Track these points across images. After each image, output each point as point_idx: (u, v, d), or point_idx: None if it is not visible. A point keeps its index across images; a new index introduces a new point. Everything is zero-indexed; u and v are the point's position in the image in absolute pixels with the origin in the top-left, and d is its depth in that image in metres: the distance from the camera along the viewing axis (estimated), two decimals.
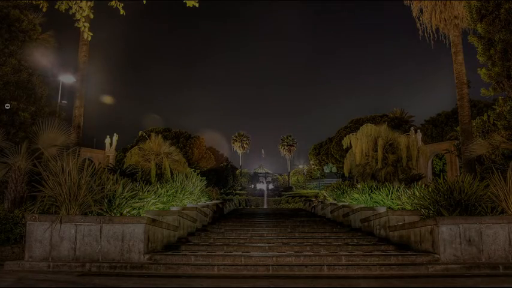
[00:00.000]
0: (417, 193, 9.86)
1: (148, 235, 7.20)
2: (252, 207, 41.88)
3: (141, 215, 8.46)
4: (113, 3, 8.10)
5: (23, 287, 5.36)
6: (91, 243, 6.86)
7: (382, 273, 6.33)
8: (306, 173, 62.33)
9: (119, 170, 13.12)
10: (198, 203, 14.66)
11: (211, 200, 18.44)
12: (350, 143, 21.81)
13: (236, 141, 69.82)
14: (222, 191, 39.27)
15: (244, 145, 70.01)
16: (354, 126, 42.60)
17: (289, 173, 66.64)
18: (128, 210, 8.21)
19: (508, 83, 11.48)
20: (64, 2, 7.95)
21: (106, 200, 7.80)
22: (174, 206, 11.75)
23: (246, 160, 73.93)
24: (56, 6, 8.03)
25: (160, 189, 11.97)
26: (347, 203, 15.20)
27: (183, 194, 13.73)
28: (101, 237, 6.89)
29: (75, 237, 6.87)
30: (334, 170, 53.15)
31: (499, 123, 11.85)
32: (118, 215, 7.83)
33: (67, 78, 22.52)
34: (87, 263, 6.60)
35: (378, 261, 6.96)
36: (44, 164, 7.91)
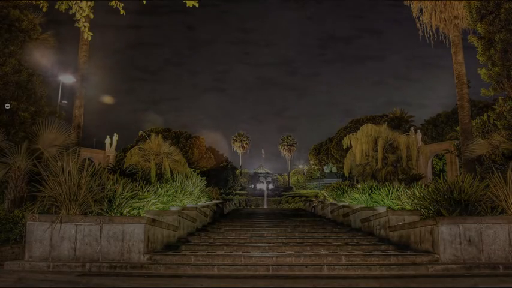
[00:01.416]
0: (417, 193, 9.86)
1: (148, 235, 7.20)
2: (252, 207, 41.85)
3: (141, 215, 8.45)
4: (113, 3, 8.09)
5: (23, 287, 5.36)
6: (91, 243, 6.86)
7: (382, 273, 6.33)
8: (306, 173, 62.30)
9: (118, 170, 13.10)
10: (198, 203, 14.66)
11: (211, 200, 18.44)
12: (350, 143, 21.83)
13: (236, 141, 69.79)
14: (222, 191, 39.22)
15: (244, 145, 69.98)
16: (354, 126, 42.59)
17: (289, 173, 66.61)
18: (128, 210, 8.21)
19: (508, 83, 11.49)
20: (64, 2, 7.95)
21: (106, 200, 7.79)
22: (174, 206, 11.75)
23: (246, 160, 73.93)
24: (56, 6, 8.03)
25: (160, 189, 11.96)
26: (347, 203, 15.20)
27: (183, 194, 13.73)
28: (101, 237, 6.89)
29: (75, 237, 6.87)
30: (334, 170, 53.13)
31: (499, 123, 11.85)
32: (118, 215, 7.82)
33: (67, 78, 22.50)
34: (87, 263, 6.60)
35: (378, 261, 6.96)
36: (44, 164, 7.91)
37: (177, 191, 13.30)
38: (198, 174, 17.61)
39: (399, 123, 44.32)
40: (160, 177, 16.20)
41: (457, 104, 17.39)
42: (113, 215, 7.72)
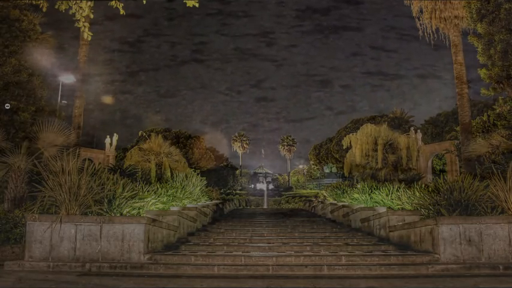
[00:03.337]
0: (417, 193, 9.86)
1: (148, 235, 7.20)
2: (252, 207, 41.83)
3: (141, 215, 8.45)
4: (113, 3, 8.09)
5: (23, 287, 5.37)
6: (91, 243, 6.86)
7: (382, 273, 6.33)
8: (306, 173, 62.28)
9: (119, 170, 13.09)
10: (198, 203, 14.66)
11: (211, 200, 18.44)
12: (350, 143, 21.82)
13: (236, 141, 69.80)
14: (222, 191, 39.16)
15: (244, 145, 69.99)
16: (354, 126, 42.56)
17: (289, 173, 66.60)
18: (128, 210, 8.21)
19: (508, 83, 11.49)
20: (64, 2, 7.95)
21: (106, 200, 7.80)
22: (174, 206, 11.74)
23: (246, 160, 73.90)
24: (56, 6, 8.04)
25: (160, 189, 11.96)
26: (347, 203, 15.20)
27: (183, 194, 13.72)
28: (101, 237, 6.89)
29: (75, 237, 6.87)
30: (334, 170, 53.09)
31: (499, 123, 11.86)
32: (118, 215, 7.82)
33: (67, 78, 22.51)
34: (87, 263, 6.61)
35: (378, 261, 6.96)
36: (44, 164, 7.91)
37: (177, 191, 13.30)
38: (198, 174, 17.60)
39: (399, 123, 44.27)
40: (160, 177, 16.19)
41: (457, 104, 17.39)
42: (113, 215, 7.72)
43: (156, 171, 16.49)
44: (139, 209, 8.63)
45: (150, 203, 9.75)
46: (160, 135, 18.94)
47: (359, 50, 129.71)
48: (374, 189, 14.44)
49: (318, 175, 57.46)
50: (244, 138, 70.22)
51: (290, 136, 70.62)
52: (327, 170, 55.91)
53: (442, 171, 33.41)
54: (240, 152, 69.76)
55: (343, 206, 14.47)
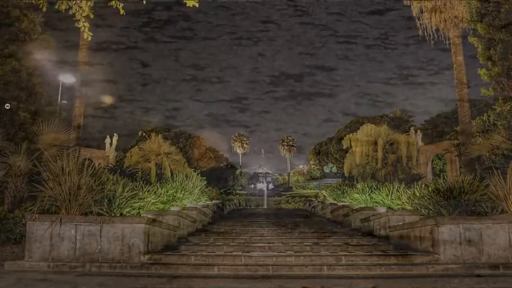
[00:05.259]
0: (417, 193, 9.87)
1: (148, 235, 7.20)
2: (252, 207, 41.77)
3: (141, 215, 8.46)
4: (113, 3, 8.08)
5: (22, 287, 5.37)
6: (91, 243, 6.86)
7: (382, 273, 6.33)
8: (306, 173, 62.30)
9: (118, 170, 13.11)
10: (198, 203, 14.65)
11: (211, 200, 18.44)
12: (350, 143, 21.90)
13: (236, 141, 69.84)
14: (222, 191, 39.08)
15: (244, 145, 70.04)
16: (354, 126, 42.57)
17: (289, 173, 66.63)
18: (127, 210, 8.22)
19: (508, 83, 11.50)
20: (64, 2, 7.95)
21: (106, 200, 7.80)
22: (174, 206, 11.75)
23: (246, 160, 73.94)
24: (56, 6, 8.03)
25: (160, 189, 11.97)
26: (347, 203, 15.20)
27: (183, 194, 13.73)
28: (100, 237, 6.89)
29: (75, 237, 6.86)
30: (334, 170, 53.09)
31: (499, 123, 11.87)
32: (118, 215, 7.83)
33: (67, 78, 22.51)
34: (87, 263, 6.61)
35: (377, 261, 6.96)
36: (44, 164, 7.92)
37: (177, 191, 13.31)
38: (198, 174, 17.61)
39: (399, 124, 44.26)
40: (160, 177, 16.21)
41: (457, 104, 17.41)
42: (113, 215, 7.72)
43: (156, 171, 16.53)
44: (139, 209, 8.64)
45: (150, 203, 9.75)
46: (160, 135, 18.99)
47: (331, 116, 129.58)
48: (374, 189, 14.46)
49: (318, 175, 57.46)
50: (245, 138, 70.28)
51: (290, 136, 70.72)
52: (327, 170, 55.90)
53: (442, 171, 33.40)
54: (240, 152, 69.80)
55: (343, 206, 14.48)
